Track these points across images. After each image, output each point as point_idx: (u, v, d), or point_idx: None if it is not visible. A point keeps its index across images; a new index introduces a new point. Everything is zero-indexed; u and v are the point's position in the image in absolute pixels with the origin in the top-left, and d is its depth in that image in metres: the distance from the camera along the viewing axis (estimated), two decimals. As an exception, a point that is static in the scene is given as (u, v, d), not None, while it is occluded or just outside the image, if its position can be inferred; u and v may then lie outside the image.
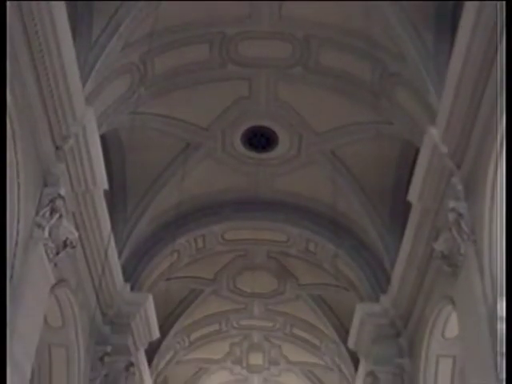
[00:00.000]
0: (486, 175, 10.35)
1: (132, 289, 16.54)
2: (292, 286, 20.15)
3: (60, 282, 12.64)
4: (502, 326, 9.81)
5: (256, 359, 23.26)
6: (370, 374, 16.42)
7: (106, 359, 15.74)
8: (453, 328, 13.39)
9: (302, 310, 20.74)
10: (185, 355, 21.94)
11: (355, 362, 18.91)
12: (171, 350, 21.00)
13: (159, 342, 19.23)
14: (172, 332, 20.18)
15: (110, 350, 15.78)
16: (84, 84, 11.81)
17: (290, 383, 24.13)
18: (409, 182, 13.17)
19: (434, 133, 11.78)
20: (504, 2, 9.26)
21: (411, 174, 13.12)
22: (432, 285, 13.98)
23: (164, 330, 19.28)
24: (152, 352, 19.12)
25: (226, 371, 23.77)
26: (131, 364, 16.45)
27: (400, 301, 15.77)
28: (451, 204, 11.46)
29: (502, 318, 9.85)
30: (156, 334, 17.72)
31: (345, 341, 18.66)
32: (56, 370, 14.66)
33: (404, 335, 16.00)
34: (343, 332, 19.29)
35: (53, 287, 12.05)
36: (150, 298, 16.78)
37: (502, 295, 10.04)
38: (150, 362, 18.92)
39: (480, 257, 10.70)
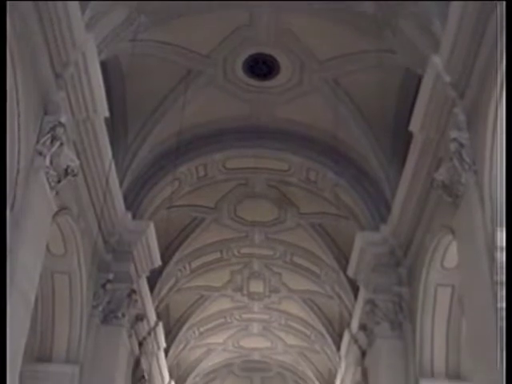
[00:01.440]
0: (489, 105, 10.28)
1: (133, 217, 16.61)
2: (292, 215, 20.23)
3: (62, 209, 12.69)
4: (500, 256, 9.90)
5: (256, 287, 23.49)
6: (369, 302, 16.60)
7: (109, 286, 15.92)
8: (452, 257, 13.49)
9: (302, 239, 20.86)
10: (186, 283, 22.16)
11: (355, 290, 19.11)
12: (173, 277, 21.20)
13: (161, 269, 19.40)
14: (173, 260, 20.36)
15: (112, 278, 15.94)
16: (84, 11, 11.63)
17: (289, 311, 24.44)
18: (411, 111, 13.08)
19: (437, 62, 11.65)
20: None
21: (413, 103, 13.03)
22: (432, 214, 14.02)
23: (165, 257, 19.44)
24: (154, 279, 19.31)
25: (226, 299, 24.03)
26: (133, 291, 16.63)
27: (400, 230, 15.85)
28: (453, 134, 11.41)
29: (501, 247, 9.93)
30: (157, 262, 17.87)
31: (344, 269, 18.83)
32: (59, 297, 14.84)
33: (403, 264, 16.13)
34: (343, 260, 19.45)
35: (55, 215, 12.11)
36: (152, 225, 16.86)
37: (501, 225, 10.10)
38: (151, 289, 19.12)
39: (480, 187, 10.72)
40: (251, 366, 28.76)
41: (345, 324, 20.73)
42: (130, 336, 17.10)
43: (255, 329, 26.01)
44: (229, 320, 25.26)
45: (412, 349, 15.35)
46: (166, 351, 22.76)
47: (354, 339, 18.78)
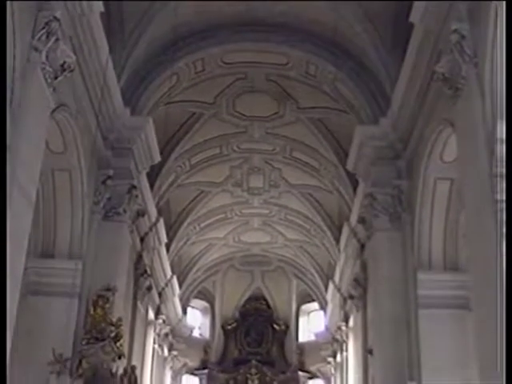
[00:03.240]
0: (491, -4, 10.10)
1: (132, 113, 16.52)
2: (292, 109, 20.13)
3: (60, 106, 12.62)
4: (500, 148, 9.90)
5: (256, 182, 23.59)
6: (368, 195, 16.71)
7: (109, 182, 15.99)
8: (451, 151, 13.49)
9: (301, 133, 20.83)
10: (186, 179, 22.24)
11: (354, 184, 19.20)
12: (172, 173, 21.27)
13: (160, 165, 19.45)
14: (173, 156, 20.38)
15: (113, 174, 16.00)
16: None
17: (289, 205, 24.62)
18: (412, 2, 12.84)
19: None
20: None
21: (415, -6, 12.79)
22: (432, 107, 13.95)
23: (165, 153, 19.46)
24: (154, 175, 19.38)
25: (226, 194, 24.17)
26: (133, 187, 16.72)
27: (399, 123, 15.81)
28: (454, 25, 11.23)
29: (500, 139, 9.93)
30: (157, 158, 17.90)
31: (344, 163, 18.88)
32: (60, 194, 14.93)
33: (403, 157, 16.16)
34: (342, 155, 19.48)
35: (53, 112, 12.06)
36: (151, 121, 16.80)
37: (501, 118, 10.06)
38: (151, 185, 19.22)
39: (481, 80, 10.63)
40: (252, 260, 29.16)
41: (344, 218, 20.94)
42: (131, 231, 17.30)
43: (255, 223, 26.26)
44: (229, 215, 25.48)
45: (410, 241, 15.54)
46: (168, 246, 23.06)
47: (353, 232, 19.00)
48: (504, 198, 9.58)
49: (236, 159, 22.47)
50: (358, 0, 15.67)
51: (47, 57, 11.07)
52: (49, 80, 11.22)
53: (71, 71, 11.91)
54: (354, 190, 19.13)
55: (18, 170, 10.07)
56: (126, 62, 16.10)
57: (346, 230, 20.10)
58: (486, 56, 10.38)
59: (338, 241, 22.27)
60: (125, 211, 16.38)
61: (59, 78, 11.61)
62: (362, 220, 17.62)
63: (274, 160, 22.49)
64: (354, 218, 18.95)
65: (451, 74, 11.56)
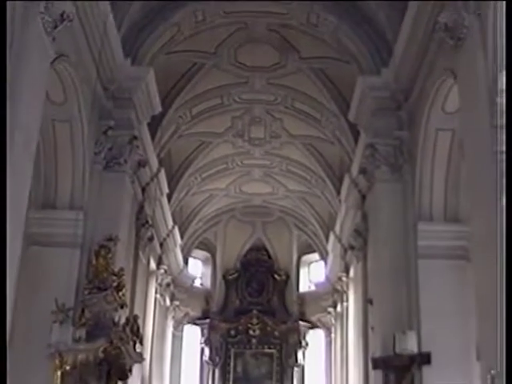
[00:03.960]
0: None
1: (132, 63, 16.43)
2: (293, 59, 19.99)
3: (60, 57, 12.54)
4: (501, 99, 9.87)
5: (257, 132, 23.51)
6: (370, 146, 16.70)
7: (110, 133, 15.97)
8: (453, 102, 13.45)
9: (303, 84, 20.71)
10: (187, 129, 22.17)
11: (355, 135, 19.15)
12: (173, 124, 21.20)
13: (161, 116, 19.38)
14: (174, 106, 20.30)
15: (113, 125, 15.97)
16: None
17: (290, 156, 24.58)
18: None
19: None
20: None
21: None
22: (434, 58, 13.86)
23: (166, 104, 19.38)
24: (155, 126, 19.33)
25: (227, 144, 24.12)
26: (134, 137, 16.70)
27: (401, 74, 15.73)
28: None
29: (502, 90, 9.89)
30: (158, 108, 17.85)
31: (345, 114, 18.83)
32: (60, 145, 14.93)
33: (404, 108, 16.11)
34: (344, 105, 19.40)
35: (53, 62, 11.99)
36: (151, 71, 16.72)
37: (502, 69, 10.01)
38: (153, 136, 19.17)
39: (484, 31, 10.55)
40: (253, 210, 29.22)
41: (345, 169, 20.94)
42: (132, 182, 17.32)
43: (256, 174, 26.25)
44: (230, 166, 25.45)
45: (411, 192, 15.58)
46: (169, 197, 23.11)
47: (354, 183, 19.01)
48: (504, 149, 9.58)
49: (237, 110, 22.37)
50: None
51: (46, 6, 10.97)
52: (48, 29, 11.16)
53: (70, 21, 11.80)
54: (356, 140, 19.09)
55: (18, 119, 10.05)
56: (126, 13, 15.94)
57: (346, 181, 20.10)
58: (489, 7, 10.29)
59: (338, 191, 22.29)
60: (126, 162, 16.39)
61: (58, 28, 11.53)
62: (362, 171, 17.63)
63: (275, 110, 22.40)
64: (355, 169, 18.95)
65: (454, 24, 11.49)
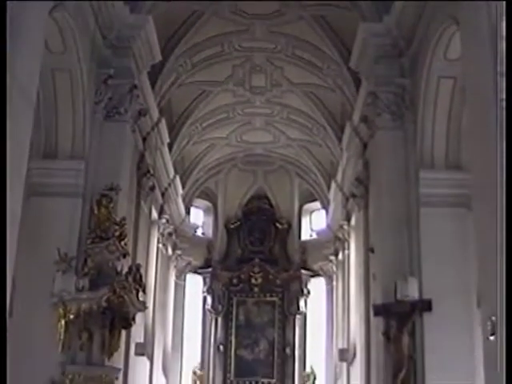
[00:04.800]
0: None
1: (131, 11, 16.26)
2: (294, 7, 19.77)
3: (58, 5, 12.42)
4: (503, 46, 9.78)
5: (258, 81, 23.35)
6: (371, 94, 16.62)
7: (110, 82, 15.89)
8: (455, 49, 13.33)
9: (304, 31, 20.50)
10: (187, 78, 22.01)
11: (357, 82, 19.04)
12: (174, 72, 21.04)
13: (162, 64, 19.26)
14: (174, 55, 20.13)
15: (113, 73, 15.89)
16: None
17: (291, 104, 24.45)
18: None
19: None
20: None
21: None
22: (437, 4, 13.71)
23: (166, 52, 19.21)
24: (155, 75, 19.21)
25: (228, 93, 23.97)
26: (134, 86, 16.62)
27: (403, 20, 15.58)
28: None
29: (502, 37, 9.80)
30: (158, 57, 17.73)
31: (347, 62, 18.69)
32: (60, 94, 14.87)
33: (406, 55, 16.00)
34: (345, 53, 19.23)
35: (51, 11, 11.88)
36: (151, 19, 16.56)
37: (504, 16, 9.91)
38: (153, 85, 19.07)
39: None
40: (254, 159, 29.16)
41: (346, 117, 20.86)
42: (133, 131, 17.28)
43: (258, 123, 26.15)
44: (231, 115, 25.34)
45: (413, 140, 15.55)
46: (170, 146, 23.07)
47: (356, 131, 18.96)
48: (504, 96, 9.52)
49: (238, 58, 22.19)
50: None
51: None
52: (46, -23, 11.02)
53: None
54: (357, 88, 18.98)
55: (17, 69, 9.98)
56: (124, -41, 15.76)
57: (348, 129, 20.04)
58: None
59: (340, 140, 22.24)
60: (126, 111, 16.34)
61: (56, -25, 11.41)
62: (364, 119, 17.58)
63: (276, 58, 22.22)
64: (356, 117, 18.88)
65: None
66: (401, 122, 16.05)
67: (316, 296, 28.70)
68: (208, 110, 24.55)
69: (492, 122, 9.92)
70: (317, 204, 29.46)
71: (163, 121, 20.37)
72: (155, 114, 19.56)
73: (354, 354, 20.40)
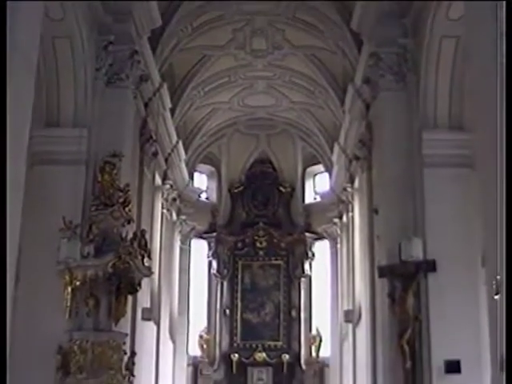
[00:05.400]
0: None
1: (131, -24, 16.15)
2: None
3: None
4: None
5: (259, 44, 23.17)
6: (373, 55, 16.54)
7: (110, 48, 15.84)
8: (457, 8, 13.23)
9: (304, -7, 20.37)
10: (188, 42, 21.86)
11: (358, 44, 18.90)
12: (174, 37, 20.87)
13: (162, 29, 19.14)
14: (174, 19, 19.95)
15: (114, 39, 15.83)
16: None
17: (293, 67, 24.32)
18: None
19: None
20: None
21: None
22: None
23: (166, 17, 19.06)
24: (155, 40, 19.09)
25: (229, 57, 23.83)
26: (135, 52, 16.55)
27: (405, -20, 15.46)
28: None
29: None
30: (158, 21, 17.63)
31: (348, 23, 18.55)
32: (61, 61, 14.83)
33: (408, 15, 15.87)
34: (347, 14, 19.06)
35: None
36: (150, -16, 16.46)
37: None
38: (153, 50, 18.95)
39: None
40: (256, 123, 29.09)
41: (348, 79, 20.74)
42: (135, 97, 17.22)
43: (259, 86, 26.05)
44: (233, 78, 25.23)
45: (416, 100, 15.50)
46: (172, 112, 23.00)
47: (358, 93, 18.87)
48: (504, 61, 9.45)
49: (238, 21, 22.03)
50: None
51: None
52: None
53: None
54: (359, 50, 18.87)
55: (17, 37, 9.92)
56: None
57: (350, 91, 19.95)
58: None
59: (342, 102, 22.14)
60: (127, 77, 16.29)
61: None
62: (366, 80, 17.50)
63: (276, 21, 22.06)
64: (358, 79, 18.79)
65: None
66: (403, 83, 15.99)
67: (321, 259, 28.83)
68: (209, 75, 24.44)
69: (493, 83, 9.86)
70: (320, 167, 29.45)
71: (165, 86, 20.29)
72: (157, 79, 19.48)
73: (360, 316, 20.52)
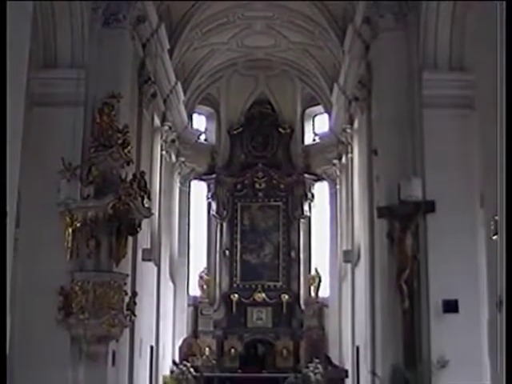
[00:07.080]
0: None
1: None
2: None
3: None
4: None
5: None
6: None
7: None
8: None
9: None
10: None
11: None
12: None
13: None
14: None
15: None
16: None
17: (292, 7, 23.80)
18: None
19: None
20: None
21: None
22: None
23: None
24: None
25: None
26: None
27: None
28: None
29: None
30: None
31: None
32: (57, 2, 14.64)
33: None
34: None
35: None
36: None
37: None
38: None
39: None
40: (255, 64, 28.87)
41: (348, 19, 20.52)
42: (132, 38, 17.07)
43: (258, 27, 25.78)
44: (231, 19, 24.94)
45: (416, 41, 15.38)
46: (170, 53, 22.79)
47: (358, 33, 18.67)
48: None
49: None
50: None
51: None
52: None
53: None
54: None
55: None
56: None
57: (350, 31, 19.74)
58: None
59: (342, 42, 21.94)
60: (124, 17, 16.13)
61: None
62: (366, 20, 17.32)
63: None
64: (358, 19, 18.56)
65: None
66: (404, 23, 15.84)
67: (320, 200, 28.90)
68: (208, 15, 24.16)
69: (496, 23, 9.77)
70: (319, 108, 29.31)
71: (163, 26, 20.06)
72: (154, 19, 19.24)
73: (359, 256, 20.67)
